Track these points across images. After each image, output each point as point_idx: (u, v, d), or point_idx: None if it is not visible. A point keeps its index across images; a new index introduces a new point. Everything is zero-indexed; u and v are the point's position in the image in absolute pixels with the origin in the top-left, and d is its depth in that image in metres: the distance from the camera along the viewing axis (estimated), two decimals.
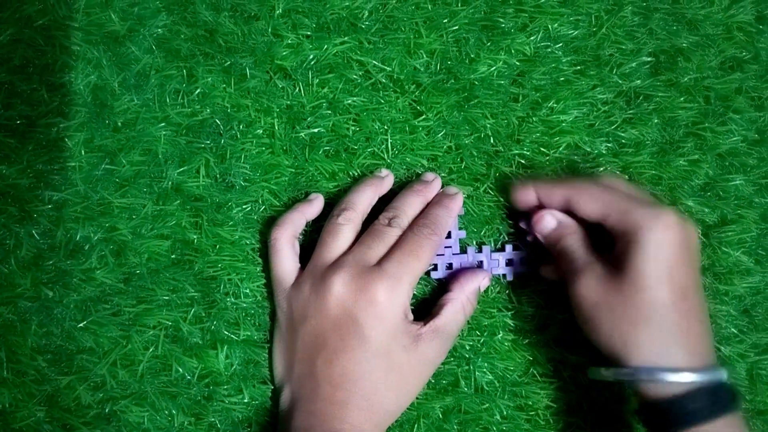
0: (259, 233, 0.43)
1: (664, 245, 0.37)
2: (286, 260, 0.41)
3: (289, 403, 0.40)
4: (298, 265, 0.42)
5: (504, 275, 0.45)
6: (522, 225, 0.44)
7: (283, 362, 0.41)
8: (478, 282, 0.42)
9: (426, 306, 0.43)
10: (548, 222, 0.42)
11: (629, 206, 0.38)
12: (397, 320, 0.38)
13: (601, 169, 0.46)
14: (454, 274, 0.43)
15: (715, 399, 0.36)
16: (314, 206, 0.43)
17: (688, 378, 0.36)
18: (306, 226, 0.43)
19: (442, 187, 0.44)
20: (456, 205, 0.43)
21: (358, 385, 0.38)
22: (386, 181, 0.43)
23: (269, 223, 0.43)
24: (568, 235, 0.41)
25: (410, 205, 0.42)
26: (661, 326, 0.36)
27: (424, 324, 0.40)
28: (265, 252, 0.43)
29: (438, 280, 0.44)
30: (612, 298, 0.37)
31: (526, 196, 0.42)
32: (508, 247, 0.45)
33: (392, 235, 0.40)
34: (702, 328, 0.38)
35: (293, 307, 0.40)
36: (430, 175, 0.44)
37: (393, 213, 0.41)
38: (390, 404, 0.39)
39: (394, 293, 0.38)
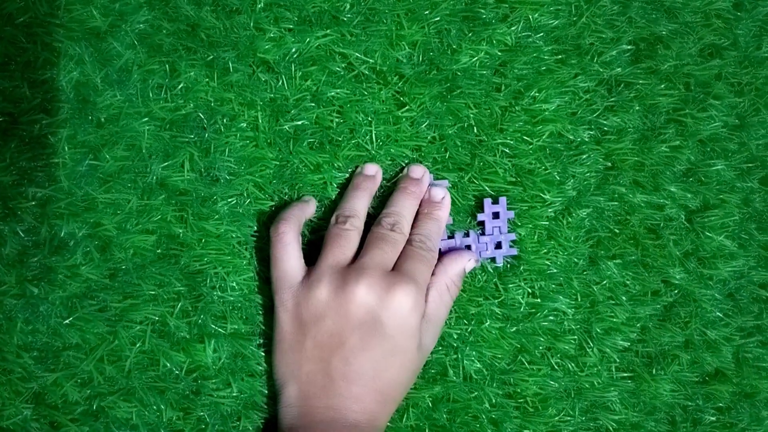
0: (245, 227, 0.43)
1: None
2: (294, 255, 0.41)
3: (298, 400, 0.40)
4: (303, 262, 0.42)
5: (493, 258, 0.45)
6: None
7: (288, 360, 0.41)
8: (463, 264, 0.43)
9: None
10: None
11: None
12: (418, 324, 0.40)
13: (584, 156, 0.46)
14: (439, 257, 0.44)
15: None
16: (310, 206, 0.44)
17: None
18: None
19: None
20: (444, 212, 0.44)
21: (375, 382, 0.39)
22: (377, 179, 0.45)
23: (256, 217, 0.43)
24: None
25: (407, 209, 0.43)
26: None
27: None
28: (253, 246, 0.43)
29: None
30: None
31: None
32: (497, 230, 0.45)
33: (399, 241, 0.42)
34: None
35: (302, 306, 0.40)
36: (418, 170, 0.44)
37: (393, 219, 0.42)
38: (400, 394, 0.41)
39: (418, 299, 0.40)
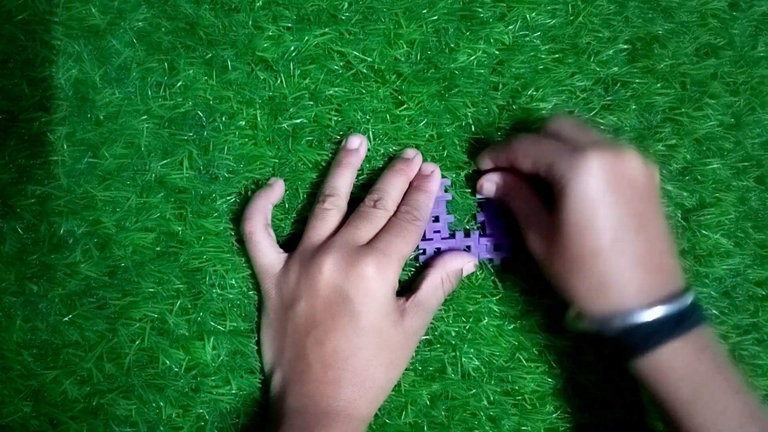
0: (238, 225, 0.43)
1: (584, 194, 0.36)
2: (267, 249, 0.42)
3: (281, 387, 0.40)
4: (281, 251, 0.42)
5: (491, 259, 0.45)
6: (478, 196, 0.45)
7: (273, 348, 0.41)
8: (462, 264, 0.43)
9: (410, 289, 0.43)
10: (487, 188, 0.43)
11: (554, 158, 0.37)
12: (387, 296, 0.39)
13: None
14: (440, 253, 0.44)
15: (680, 320, 0.36)
16: (276, 190, 0.43)
17: (646, 317, 0.36)
18: (288, 213, 0.44)
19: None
20: (434, 185, 0.43)
21: (349, 363, 0.38)
22: (361, 152, 0.44)
23: (237, 218, 0.43)
24: (510, 195, 0.42)
25: (393, 186, 0.42)
26: (592, 274, 0.36)
27: (407, 299, 0.41)
28: (243, 246, 0.43)
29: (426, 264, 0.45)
30: (553, 252, 0.38)
31: (483, 163, 0.44)
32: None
33: (379, 217, 0.41)
34: (657, 257, 0.37)
35: (282, 291, 0.40)
36: (410, 152, 0.44)
37: (378, 195, 0.42)
38: (381, 379, 0.40)
39: (383, 269, 0.39)
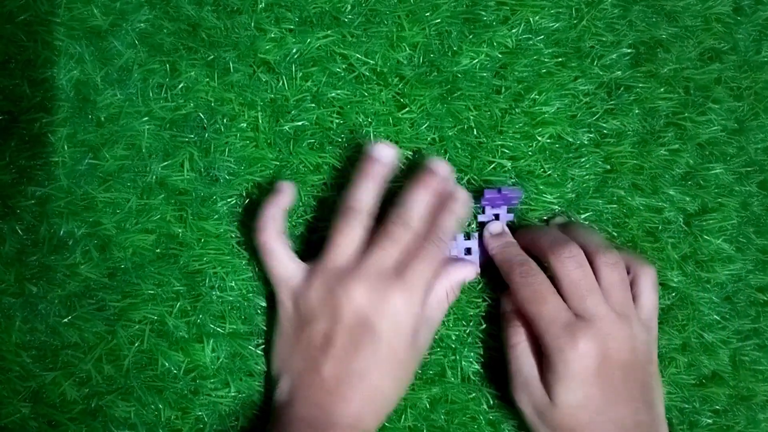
0: (243, 226, 0.43)
1: (576, 377, 0.39)
2: (284, 259, 0.40)
3: (288, 393, 0.40)
4: (298, 260, 0.41)
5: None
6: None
7: (283, 355, 0.41)
8: (465, 274, 0.43)
9: None
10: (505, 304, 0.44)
11: (548, 330, 0.40)
12: (411, 326, 0.39)
13: (584, 159, 0.46)
14: (443, 261, 0.43)
15: None
16: (286, 195, 0.41)
17: None
18: (288, 215, 0.43)
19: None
20: (462, 207, 0.42)
21: (363, 382, 0.38)
22: (390, 162, 0.41)
23: (252, 217, 0.43)
24: (522, 337, 0.42)
25: (419, 202, 0.41)
26: None
27: None
28: (243, 249, 0.43)
29: None
30: (543, 420, 0.40)
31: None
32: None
33: (406, 237, 0.40)
34: (642, 424, 0.40)
35: (300, 305, 0.40)
36: (439, 164, 0.41)
37: (404, 212, 0.40)
38: (391, 395, 0.40)
39: (411, 302, 0.39)
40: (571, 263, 0.40)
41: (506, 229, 0.45)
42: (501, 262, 0.43)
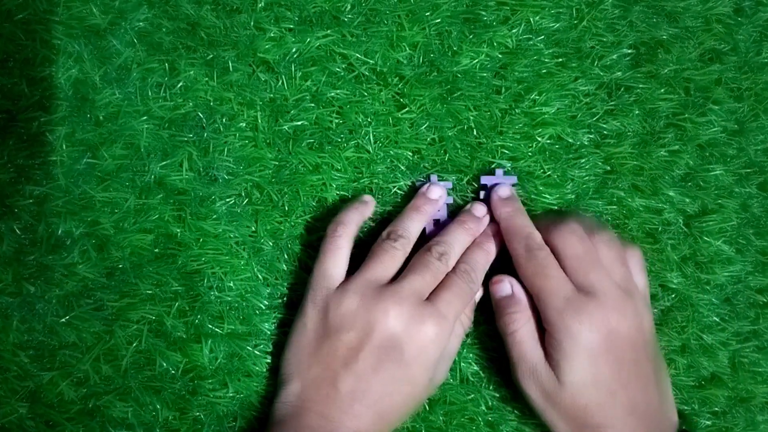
0: (243, 227, 0.43)
1: (581, 356, 0.39)
2: (341, 260, 0.41)
3: (298, 400, 0.39)
4: (346, 269, 0.41)
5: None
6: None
7: (299, 357, 0.40)
8: (475, 297, 0.43)
9: None
10: (505, 287, 0.43)
11: (551, 307, 0.39)
12: (435, 357, 0.39)
13: (583, 160, 0.46)
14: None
15: None
16: (369, 207, 0.43)
17: None
18: (287, 215, 0.43)
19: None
20: (494, 249, 0.43)
21: (378, 404, 0.38)
22: (439, 203, 0.44)
23: (255, 217, 0.43)
24: (521, 323, 0.41)
25: (460, 243, 0.42)
26: (590, 422, 0.39)
27: None
28: (251, 246, 0.43)
29: None
30: (551, 403, 0.40)
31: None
32: None
33: (442, 271, 0.41)
34: (645, 406, 0.40)
35: (330, 312, 0.40)
36: (480, 210, 0.44)
37: (443, 248, 0.41)
38: (400, 419, 0.40)
39: (442, 332, 0.39)
40: (572, 237, 0.41)
41: (515, 193, 0.45)
42: (506, 230, 0.43)
